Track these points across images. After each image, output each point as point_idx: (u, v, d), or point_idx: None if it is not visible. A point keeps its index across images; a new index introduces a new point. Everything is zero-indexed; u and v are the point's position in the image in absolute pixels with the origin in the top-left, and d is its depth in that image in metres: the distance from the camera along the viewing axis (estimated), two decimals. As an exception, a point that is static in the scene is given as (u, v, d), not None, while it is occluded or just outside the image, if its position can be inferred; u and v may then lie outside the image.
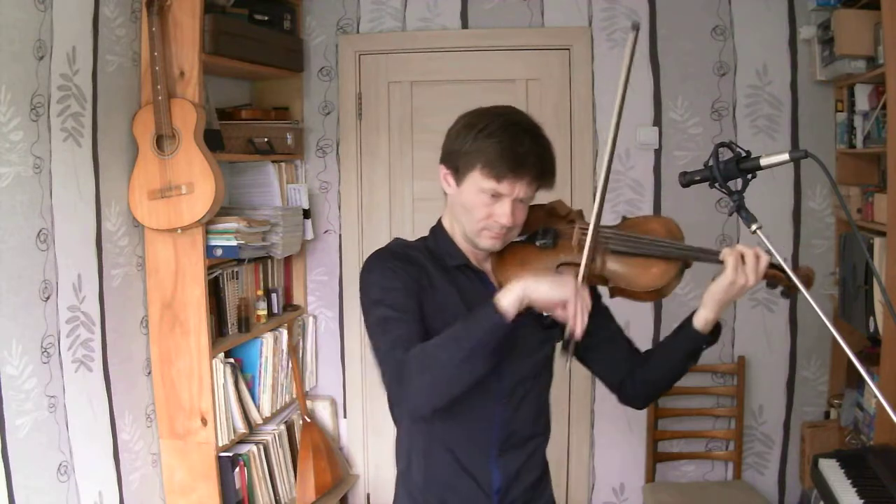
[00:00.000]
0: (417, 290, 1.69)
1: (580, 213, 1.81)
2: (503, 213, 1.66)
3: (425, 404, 1.60)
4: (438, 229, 1.83)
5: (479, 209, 1.67)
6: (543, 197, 1.79)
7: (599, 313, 1.85)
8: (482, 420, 1.76)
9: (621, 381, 1.86)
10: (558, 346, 1.64)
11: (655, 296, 1.73)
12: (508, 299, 1.53)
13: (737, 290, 1.65)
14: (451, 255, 1.78)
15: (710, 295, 1.69)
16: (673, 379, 1.82)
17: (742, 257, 1.64)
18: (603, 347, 1.86)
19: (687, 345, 1.75)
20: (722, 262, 1.66)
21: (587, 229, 1.69)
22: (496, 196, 1.66)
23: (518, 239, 1.76)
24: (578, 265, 1.68)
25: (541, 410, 1.86)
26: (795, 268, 1.62)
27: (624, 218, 1.84)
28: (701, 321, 1.71)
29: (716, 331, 1.75)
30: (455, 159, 1.70)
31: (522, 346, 1.76)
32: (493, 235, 1.70)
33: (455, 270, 1.77)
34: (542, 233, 1.76)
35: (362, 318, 1.74)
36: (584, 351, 1.85)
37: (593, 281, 1.74)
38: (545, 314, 1.60)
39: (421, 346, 1.57)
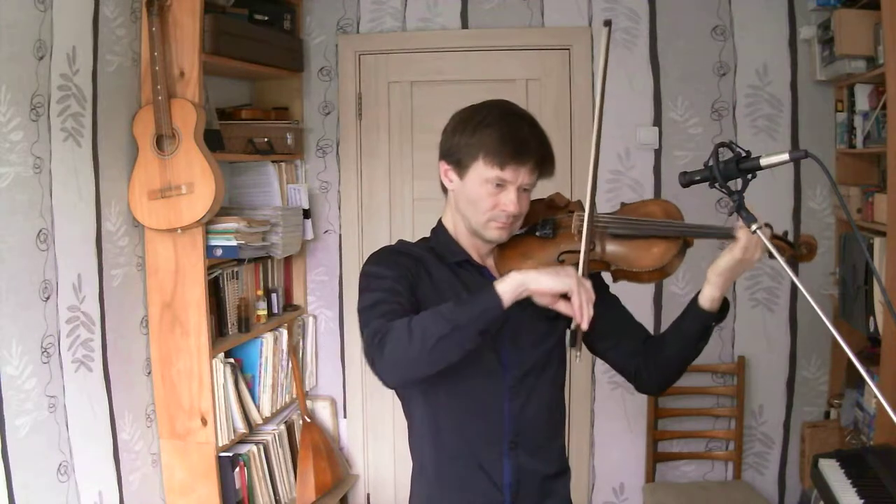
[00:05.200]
0: (412, 279, 1.72)
1: (579, 203, 1.82)
2: (509, 200, 1.68)
3: (396, 374, 1.59)
4: (439, 229, 1.85)
5: (484, 200, 1.70)
6: (544, 189, 1.81)
7: (607, 302, 1.83)
8: (492, 413, 1.76)
9: (636, 369, 1.82)
10: (567, 336, 1.61)
11: (658, 275, 1.73)
12: (507, 287, 1.53)
13: (745, 266, 1.64)
14: (453, 252, 1.80)
15: (715, 271, 1.66)
16: (685, 362, 1.79)
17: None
18: (614, 336, 1.84)
19: (696, 325, 1.72)
20: (728, 238, 1.65)
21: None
22: (501, 185, 1.68)
23: (518, 232, 1.78)
24: (579, 252, 1.68)
25: (553, 406, 1.84)
26: (797, 236, 1.64)
27: (623, 204, 1.86)
28: (707, 300, 1.69)
29: (724, 307, 1.72)
30: (456, 153, 1.72)
31: (527, 335, 1.76)
32: (499, 226, 1.72)
33: (456, 266, 1.79)
34: (542, 224, 1.78)
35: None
36: (595, 341, 1.84)
37: (596, 267, 1.74)
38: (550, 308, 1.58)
39: (408, 317, 1.57)
